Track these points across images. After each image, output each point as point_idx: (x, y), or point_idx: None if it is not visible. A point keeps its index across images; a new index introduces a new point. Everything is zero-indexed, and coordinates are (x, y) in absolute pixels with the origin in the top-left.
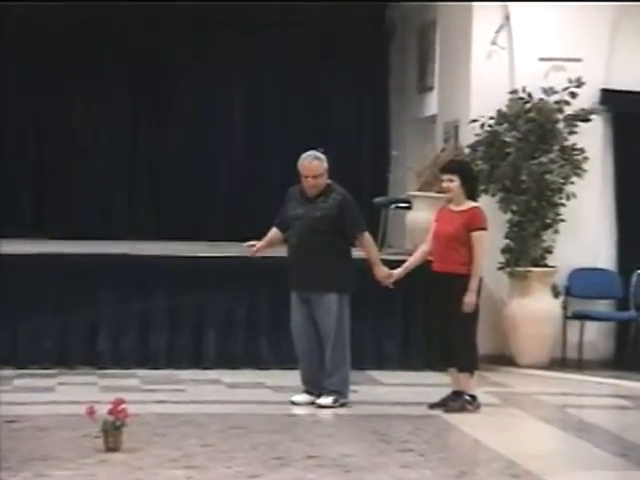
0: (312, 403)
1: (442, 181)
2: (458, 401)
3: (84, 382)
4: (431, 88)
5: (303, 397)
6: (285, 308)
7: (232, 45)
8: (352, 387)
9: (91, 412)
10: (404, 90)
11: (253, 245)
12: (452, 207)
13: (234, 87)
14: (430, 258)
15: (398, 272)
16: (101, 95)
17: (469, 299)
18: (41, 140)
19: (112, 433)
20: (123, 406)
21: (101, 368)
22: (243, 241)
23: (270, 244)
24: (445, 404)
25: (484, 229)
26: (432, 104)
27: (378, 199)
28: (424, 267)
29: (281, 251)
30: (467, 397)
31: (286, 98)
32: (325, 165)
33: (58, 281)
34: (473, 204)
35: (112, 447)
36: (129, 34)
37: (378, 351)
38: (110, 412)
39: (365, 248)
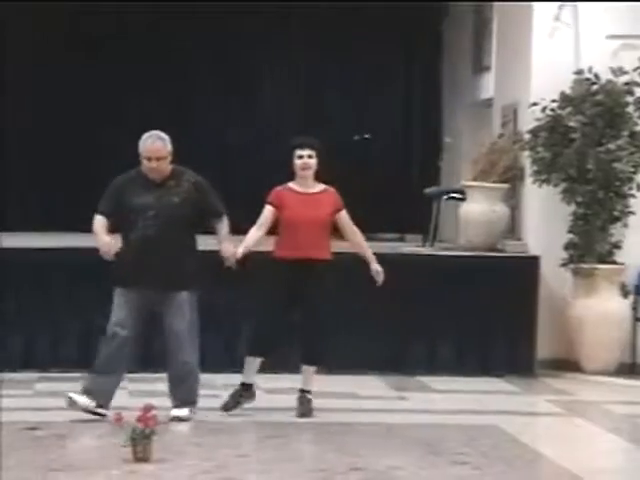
0: None
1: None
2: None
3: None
4: (487, 68)
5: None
6: (332, 306)
7: (276, 25)
8: (401, 394)
9: (118, 419)
10: (458, 71)
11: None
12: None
13: (278, 70)
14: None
15: (239, 250)
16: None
17: None
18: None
19: (141, 442)
20: (153, 413)
21: (129, 371)
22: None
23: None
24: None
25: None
26: (489, 86)
27: (430, 189)
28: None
29: None
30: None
31: (332, 82)
32: (169, 147)
33: (81, 279)
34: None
35: (141, 457)
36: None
37: (429, 355)
38: (139, 419)
39: (220, 226)
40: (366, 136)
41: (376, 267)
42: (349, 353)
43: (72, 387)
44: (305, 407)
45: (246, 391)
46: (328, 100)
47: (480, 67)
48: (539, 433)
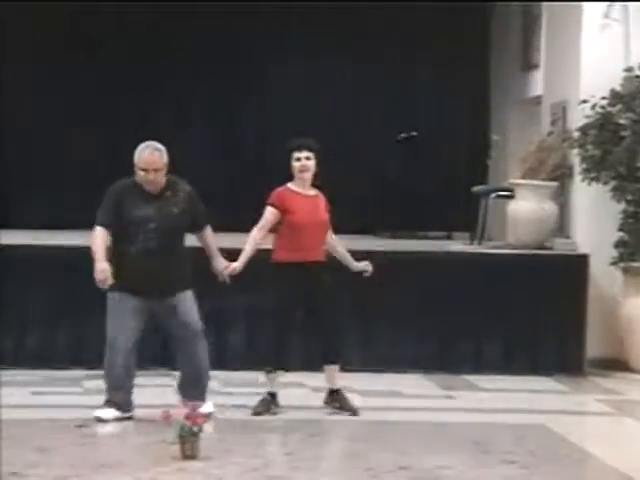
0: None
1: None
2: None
3: (159, 384)
4: (536, 66)
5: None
6: (372, 305)
7: (329, 22)
8: (448, 393)
9: (167, 417)
10: (506, 68)
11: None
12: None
13: (323, 69)
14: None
15: (237, 265)
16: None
17: None
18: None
19: (189, 439)
20: (201, 411)
21: (177, 369)
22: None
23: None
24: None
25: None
26: (537, 83)
27: (477, 188)
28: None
29: (349, 243)
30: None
31: (378, 78)
32: (166, 158)
33: None
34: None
35: (189, 455)
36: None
37: (476, 354)
38: (187, 417)
39: (208, 239)
40: (412, 134)
41: (358, 265)
42: (395, 351)
43: None
44: (348, 403)
45: (274, 399)
46: (375, 98)
47: (529, 65)
48: (588, 432)
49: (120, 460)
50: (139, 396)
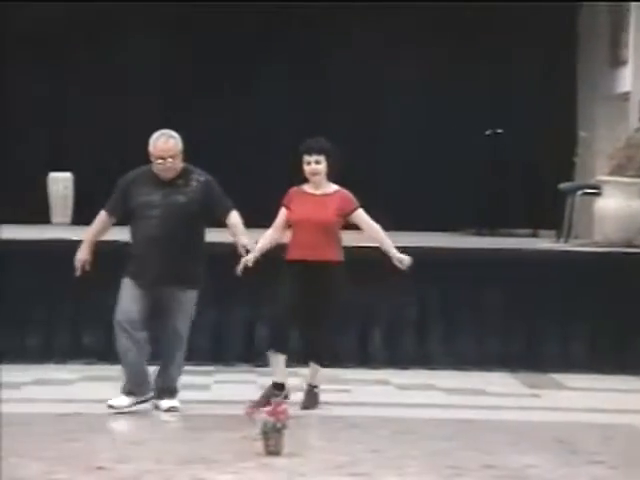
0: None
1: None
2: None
3: (242, 380)
4: (624, 62)
5: (129, 400)
6: (458, 304)
7: (423, 21)
8: (534, 391)
9: (251, 412)
10: (594, 65)
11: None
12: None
13: (417, 65)
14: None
15: (249, 257)
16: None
17: None
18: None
19: (273, 436)
20: (284, 407)
21: (260, 365)
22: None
23: (93, 242)
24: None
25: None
26: (625, 80)
27: (564, 185)
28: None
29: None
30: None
31: (468, 77)
32: (180, 145)
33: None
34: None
35: (273, 451)
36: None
37: (563, 352)
38: (271, 413)
39: (232, 221)
40: (498, 131)
41: (399, 256)
42: (480, 350)
43: (204, 380)
44: (311, 400)
45: (279, 390)
46: (463, 96)
47: (617, 61)
48: None
49: (204, 455)
50: (223, 393)
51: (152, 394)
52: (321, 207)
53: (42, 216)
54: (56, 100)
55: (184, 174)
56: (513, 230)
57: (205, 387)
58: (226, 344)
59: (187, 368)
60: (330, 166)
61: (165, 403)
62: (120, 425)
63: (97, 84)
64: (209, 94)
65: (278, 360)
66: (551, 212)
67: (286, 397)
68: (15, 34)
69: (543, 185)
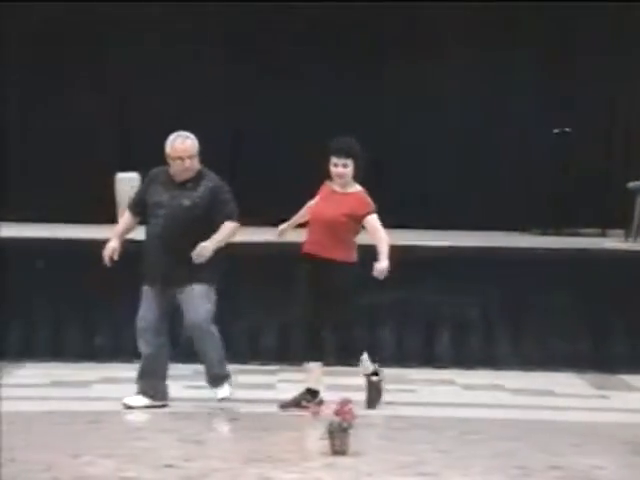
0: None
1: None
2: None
3: (303, 380)
4: None
5: (146, 401)
6: (523, 303)
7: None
8: (602, 392)
9: (316, 412)
10: None
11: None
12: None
13: (485, 64)
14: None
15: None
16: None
17: None
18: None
19: (338, 435)
20: (350, 407)
21: (325, 365)
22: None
23: (122, 235)
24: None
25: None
26: None
27: (632, 183)
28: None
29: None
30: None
31: (533, 75)
32: (197, 146)
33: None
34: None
35: (338, 450)
36: None
37: (632, 353)
38: (336, 413)
39: (221, 231)
40: (566, 129)
41: (381, 264)
42: (547, 350)
43: (269, 380)
44: (295, 399)
45: (313, 396)
46: (529, 96)
47: None
48: None
49: (271, 454)
50: (287, 392)
51: (167, 402)
52: (335, 206)
53: (109, 216)
54: (123, 100)
55: (196, 178)
56: (580, 230)
57: (270, 386)
58: (291, 343)
59: (251, 367)
60: (357, 169)
61: (219, 393)
62: (187, 424)
63: (163, 83)
64: (269, 92)
65: (310, 367)
66: (619, 211)
67: (320, 403)
68: (87, 33)
69: (611, 184)
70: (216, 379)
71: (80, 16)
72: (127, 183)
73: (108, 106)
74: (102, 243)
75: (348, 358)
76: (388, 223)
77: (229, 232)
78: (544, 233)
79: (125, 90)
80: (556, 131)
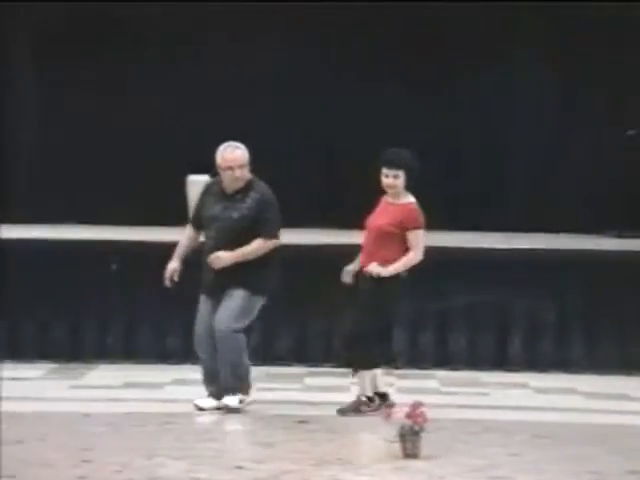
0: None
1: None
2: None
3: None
4: None
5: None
6: (598, 306)
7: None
8: None
9: (388, 415)
10: None
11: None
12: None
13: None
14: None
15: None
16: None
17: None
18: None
19: (410, 438)
20: (422, 410)
21: (397, 368)
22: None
23: (183, 254)
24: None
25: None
26: None
27: None
28: None
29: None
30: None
31: (604, 77)
32: (247, 155)
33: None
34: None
35: (410, 453)
36: None
37: None
38: (408, 416)
39: (252, 244)
40: (633, 132)
41: (378, 267)
42: (622, 353)
43: (343, 382)
44: (350, 406)
45: (370, 401)
46: (603, 95)
47: None
48: None
49: (342, 457)
50: (352, 395)
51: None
52: (382, 215)
53: (180, 219)
54: (196, 102)
55: (245, 188)
56: None
57: (344, 389)
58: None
59: (325, 370)
60: (408, 179)
61: (226, 400)
62: (257, 426)
63: (232, 87)
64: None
65: (361, 375)
66: None
67: (378, 408)
68: (161, 34)
69: None
70: (226, 389)
71: (158, 17)
72: (198, 186)
73: (180, 107)
74: (173, 246)
75: (363, 367)
76: (465, 225)
77: (256, 248)
78: (620, 235)
79: (198, 91)
80: (631, 132)
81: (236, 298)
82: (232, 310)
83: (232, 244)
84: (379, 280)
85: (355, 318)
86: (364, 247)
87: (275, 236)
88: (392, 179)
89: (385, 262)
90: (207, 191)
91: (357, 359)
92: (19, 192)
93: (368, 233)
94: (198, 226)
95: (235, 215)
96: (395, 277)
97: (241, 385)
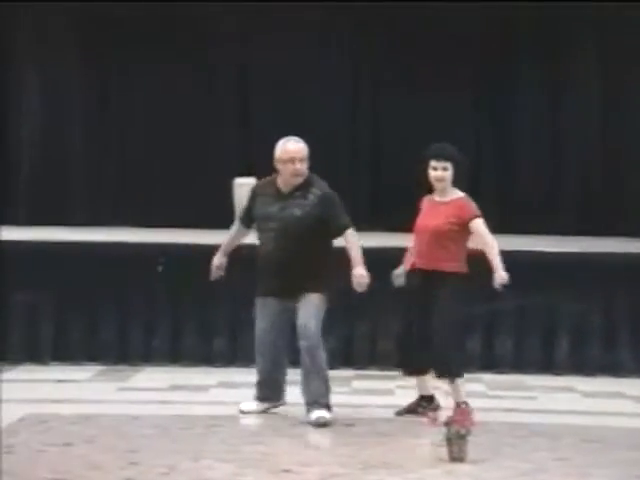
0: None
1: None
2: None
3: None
4: None
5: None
6: None
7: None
8: None
9: (434, 419)
10: None
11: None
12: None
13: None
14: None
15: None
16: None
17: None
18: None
19: (456, 442)
20: (469, 413)
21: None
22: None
23: (229, 250)
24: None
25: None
26: None
27: None
28: None
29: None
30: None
31: None
32: (307, 150)
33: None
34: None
35: (457, 457)
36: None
37: None
38: (454, 420)
39: (348, 245)
40: None
41: (500, 273)
42: None
43: (388, 385)
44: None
45: (427, 402)
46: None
47: None
48: None
49: (388, 460)
50: (405, 398)
51: (283, 401)
52: (436, 214)
53: (227, 222)
54: (243, 104)
55: (304, 185)
56: None
57: (389, 392)
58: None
59: (370, 373)
60: (457, 174)
61: (316, 414)
62: (304, 429)
63: (283, 87)
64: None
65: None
66: None
67: (436, 409)
68: (231, 34)
69: None
70: (319, 403)
71: (224, 17)
72: (245, 189)
73: (229, 110)
74: (219, 248)
75: (442, 371)
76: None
77: (358, 242)
78: None
79: (248, 93)
80: None
81: (314, 303)
82: (315, 317)
83: (295, 243)
84: (451, 280)
85: (429, 323)
86: (417, 249)
87: (351, 224)
88: (441, 171)
89: (451, 264)
90: (260, 191)
91: (442, 366)
92: (74, 195)
93: (421, 235)
94: (248, 225)
95: (298, 213)
96: (467, 277)
97: (327, 403)
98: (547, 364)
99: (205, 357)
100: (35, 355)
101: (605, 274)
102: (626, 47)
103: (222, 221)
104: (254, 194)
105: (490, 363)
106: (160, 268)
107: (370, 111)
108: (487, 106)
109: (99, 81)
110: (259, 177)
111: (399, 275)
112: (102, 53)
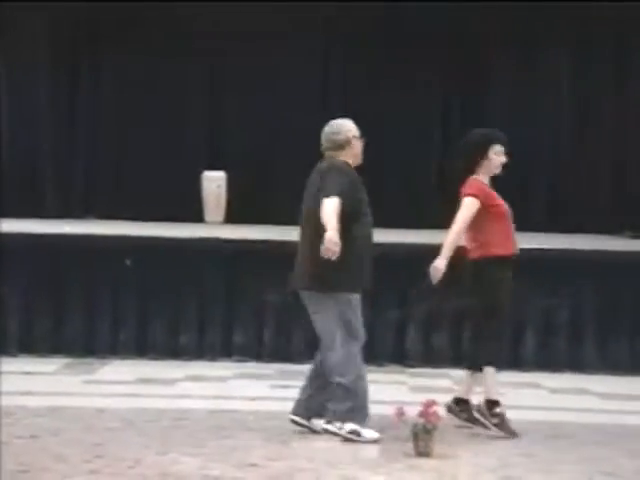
0: None
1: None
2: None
3: (392, 381)
4: None
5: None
6: (612, 306)
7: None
8: None
9: (400, 414)
10: None
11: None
12: None
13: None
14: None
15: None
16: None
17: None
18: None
19: (423, 437)
20: (435, 408)
21: (411, 366)
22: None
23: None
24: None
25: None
26: None
27: None
28: None
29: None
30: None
31: None
32: None
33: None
34: None
35: (423, 452)
36: None
37: None
38: (421, 414)
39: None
40: None
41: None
42: (635, 354)
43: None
44: (471, 416)
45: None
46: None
47: None
48: None
49: (355, 456)
50: (374, 394)
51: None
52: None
53: (196, 215)
54: (212, 99)
55: None
56: None
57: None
58: (379, 344)
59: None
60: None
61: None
62: (271, 423)
63: (252, 83)
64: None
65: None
66: None
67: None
68: (176, 31)
69: None
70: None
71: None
72: (213, 182)
73: (197, 105)
74: (186, 242)
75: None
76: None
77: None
78: (636, 236)
79: (216, 89)
80: None
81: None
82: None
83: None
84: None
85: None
86: (506, 234)
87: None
88: (506, 157)
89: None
90: (348, 173)
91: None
92: (42, 188)
93: (508, 219)
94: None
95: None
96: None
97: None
98: (514, 360)
99: (172, 350)
100: (1, 347)
101: (572, 271)
102: (597, 46)
103: (190, 214)
104: (346, 176)
105: (458, 359)
106: (128, 261)
107: (339, 111)
108: (458, 106)
109: (69, 77)
110: (227, 171)
111: (438, 270)
112: (72, 50)
